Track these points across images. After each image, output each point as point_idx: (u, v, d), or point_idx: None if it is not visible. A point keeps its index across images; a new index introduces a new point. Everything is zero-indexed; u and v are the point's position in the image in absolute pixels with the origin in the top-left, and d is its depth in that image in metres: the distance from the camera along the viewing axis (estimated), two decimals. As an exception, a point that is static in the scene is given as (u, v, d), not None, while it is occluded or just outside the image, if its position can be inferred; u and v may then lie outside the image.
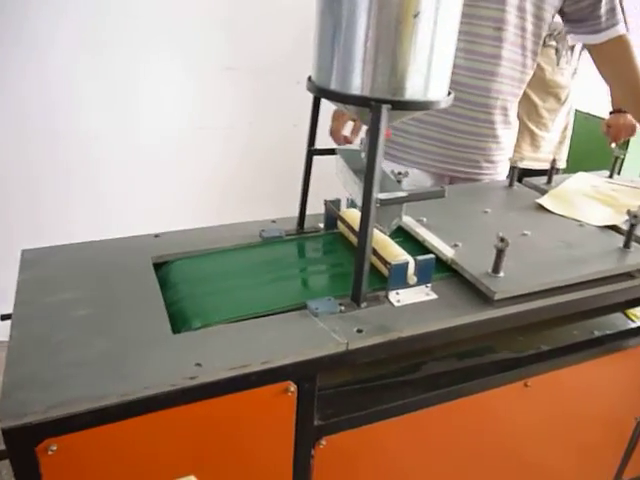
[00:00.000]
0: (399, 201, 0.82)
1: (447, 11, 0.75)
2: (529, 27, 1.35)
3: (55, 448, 0.63)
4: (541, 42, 1.42)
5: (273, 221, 1.10)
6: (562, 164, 1.95)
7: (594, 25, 1.37)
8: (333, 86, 0.80)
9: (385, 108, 0.75)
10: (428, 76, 0.77)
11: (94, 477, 0.68)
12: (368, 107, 0.76)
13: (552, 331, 1.13)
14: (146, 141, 1.94)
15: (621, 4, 1.72)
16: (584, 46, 1.75)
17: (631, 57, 1.40)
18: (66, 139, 1.85)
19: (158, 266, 0.94)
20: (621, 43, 1.38)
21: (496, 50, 1.34)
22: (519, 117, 1.65)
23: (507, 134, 1.47)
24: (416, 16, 0.72)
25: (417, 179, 1.43)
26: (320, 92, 0.83)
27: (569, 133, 1.93)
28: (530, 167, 1.80)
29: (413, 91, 0.77)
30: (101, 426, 0.65)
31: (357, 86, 0.77)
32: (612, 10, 1.36)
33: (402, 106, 0.78)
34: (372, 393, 0.89)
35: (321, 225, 1.09)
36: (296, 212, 1.08)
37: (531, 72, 1.44)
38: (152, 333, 0.75)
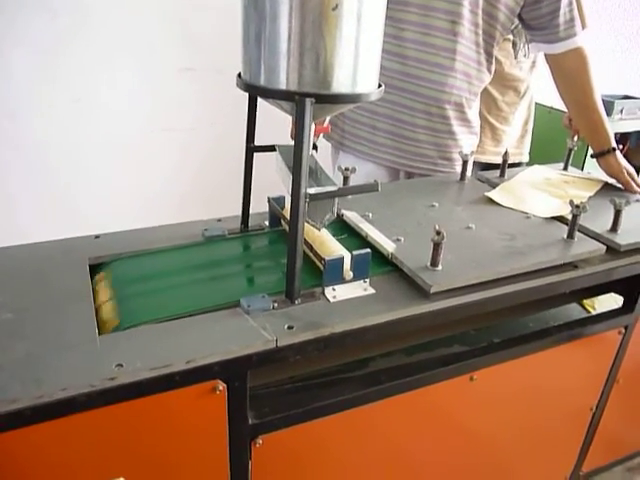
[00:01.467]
0: (329, 195, 0.81)
1: (369, 3, 0.74)
2: (481, 24, 1.34)
3: (-32, 454, 0.62)
4: (495, 43, 1.40)
5: (219, 220, 1.09)
6: (525, 158, 1.95)
7: (552, 34, 1.36)
8: (261, 82, 0.79)
9: (309, 102, 0.75)
10: (354, 69, 0.77)
11: (14, 482, 0.67)
12: (293, 101, 0.76)
13: (506, 324, 1.14)
14: (102, 146, 1.92)
15: (580, 12, 1.73)
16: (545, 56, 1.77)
17: (586, 72, 1.37)
18: (21, 142, 1.83)
19: (96, 267, 0.93)
20: (578, 56, 1.36)
21: (450, 44, 1.33)
22: (479, 112, 1.65)
23: (465, 132, 1.46)
24: (335, 9, 0.72)
25: (372, 174, 1.42)
26: (249, 88, 0.82)
27: (530, 127, 1.93)
28: (492, 161, 1.80)
29: (339, 84, 0.76)
30: (17, 429, 0.64)
31: (283, 81, 0.76)
32: (571, 20, 1.34)
33: (328, 99, 0.77)
34: (312, 390, 0.88)
35: (267, 223, 1.08)
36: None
37: (487, 73, 1.43)
38: (77, 335, 0.74)
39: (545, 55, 1.42)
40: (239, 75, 0.84)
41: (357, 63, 0.77)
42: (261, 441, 0.82)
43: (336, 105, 0.82)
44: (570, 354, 1.12)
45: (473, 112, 1.47)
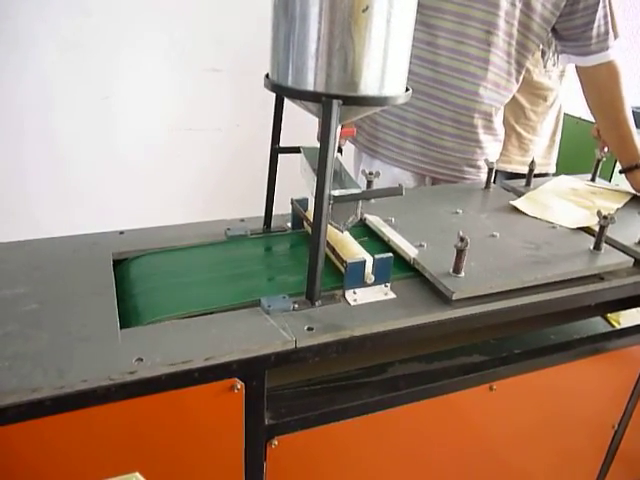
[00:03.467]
0: (352, 198, 0.81)
1: (400, 5, 0.74)
2: (515, 34, 1.33)
3: (-11, 441, 0.63)
4: (529, 54, 1.39)
5: (242, 220, 1.09)
6: (552, 168, 1.93)
7: (584, 46, 1.34)
8: (289, 83, 0.79)
9: (336, 103, 0.75)
10: (382, 71, 0.76)
11: (32, 470, 0.68)
12: (320, 103, 0.76)
13: (528, 335, 1.12)
14: (130, 143, 1.95)
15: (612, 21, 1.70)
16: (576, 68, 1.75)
17: (617, 86, 1.35)
18: (41, 139, 1.86)
19: (120, 262, 0.94)
20: (610, 70, 1.34)
21: (484, 54, 1.32)
22: (506, 120, 1.64)
23: (490, 140, 1.45)
24: (365, 10, 0.71)
25: (398, 180, 1.42)
26: (276, 89, 0.83)
27: (558, 137, 1.91)
28: (518, 171, 1.78)
29: (366, 86, 0.76)
30: (37, 419, 0.64)
31: (310, 82, 0.76)
32: (605, 33, 1.32)
33: (355, 101, 0.77)
34: (329, 394, 0.88)
35: (289, 225, 1.08)
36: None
37: (515, 83, 1.42)
38: (98, 328, 0.74)
39: (576, 67, 1.40)
40: (267, 76, 0.84)
41: (385, 65, 0.76)
42: (277, 442, 0.81)
43: (363, 107, 0.82)
44: (593, 369, 1.10)
45: (499, 120, 1.46)
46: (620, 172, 1.40)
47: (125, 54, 1.85)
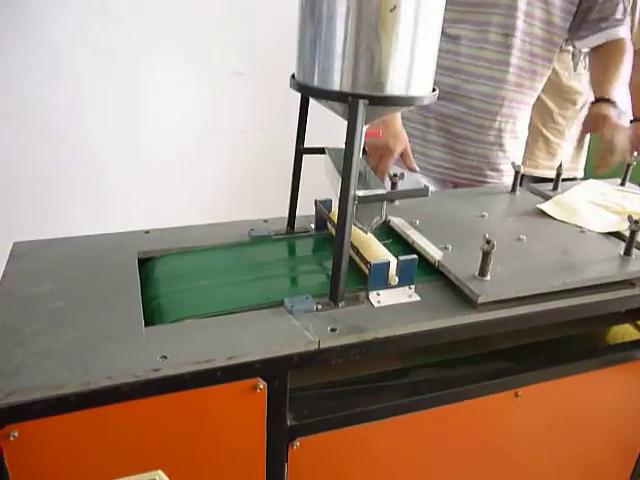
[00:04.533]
0: (378, 199, 0.80)
1: (427, 5, 0.73)
2: (538, 33, 1.33)
3: (17, 434, 0.63)
4: (555, 48, 1.39)
5: (265, 221, 1.10)
6: (580, 173, 1.89)
7: (612, 20, 1.35)
8: (315, 83, 0.79)
9: (362, 103, 0.74)
10: (409, 71, 0.76)
11: (57, 465, 0.68)
12: (346, 103, 0.75)
13: (554, 341, 1.09)
14: (155, 147, 1.97)
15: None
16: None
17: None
18: (72, 141, 1.89)
19: (145, 261, 0.95)
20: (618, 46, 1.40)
21: (504, 57, 1.33)
22: (533, 124, 1.62)
23: (514, 143, 1.44)
24: (393, 10, 0.71)
25: (420, 184, 1.41)
26: (302, 89, 0.83)
27: (587, 141, 1.88)
28: (545, 175, 1.75)
29: (393, 86, 0.76)
30: (63, 414, 0.65)
31: (336, 82, 0.76)
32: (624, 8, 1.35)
33: (381, 101, 0.76)
34: (352, 396, 0.87)
35: (312, 226, 1.08)
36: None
37: (542, 79, 1.42)
38: (124, 326, 0.75)
39: (600, 47, 1.42)
40: (292, 76, 0.84)
41: (412, 65, 0.76)
42: (298, 443, 0.81)
43: (389, 107, 0.82)
44: (622, 377, 1.07)
45: (523, 120, 1.45)
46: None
47: (152, 60, 1.88)
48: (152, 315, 0.80)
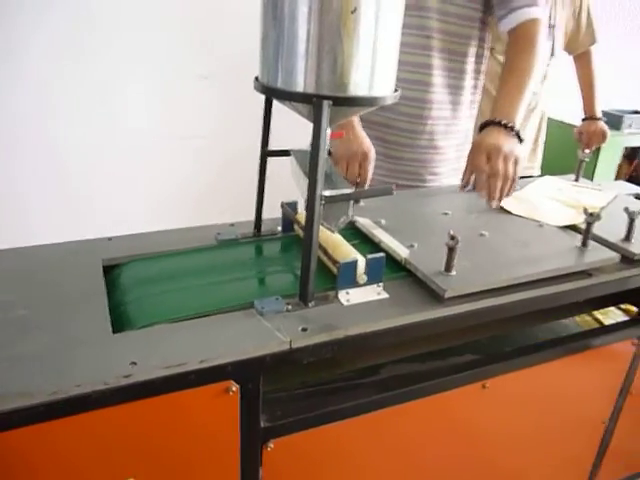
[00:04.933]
0: (344, 198, 0.81)
1: (387, 7, 0.75)
2: (455, 30, 1.29)
3: (-19, 449, 0.62)
4: (481, 44, 1.34)
5: (231, 225, 1.09)
6: (536, 172, 1.95)
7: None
8: (278, 84, 0.79)
9: (326, 104, 0.75)
10: (371, 72, 0.77)
11: (27, 477, 0.66)
12: (310, 104, 0.76)
13: (518, 334, 1.13)
14: (118, 151, 1.94)
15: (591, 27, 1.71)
16: (552, 52, 1.77)
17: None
18: (37, 145, 1.85)
19: (110, 269, 0.93)
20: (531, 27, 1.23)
21: (425, 59, 1.30)
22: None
23: (452, 145, 1.43)
24: (354, 12, 0.72)
25: None
26: (266, 91, 0.83)
27: (542, 141, 1.94)
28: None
29: (356, 87, 0.77)
30: (31, 425, 0.63)
31: (300, 83, 0.77)
32: None
33: (345, 102, 0.77)
34: (324, 396, 0.87)
35: (279, 228, 1.08)
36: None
37: (474, 78, 1.38)
38: (91, 333, 0.74)
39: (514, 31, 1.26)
40: (256, 78, 0.85)
41: (374, 66, 0.77)
42: (272, 445, 0.81)
43: (353, 108, 0.83)
44: (583, 365, 1.11)
45: (463, 121, 1.42)
46: None
47: (114, 63, 1.85)
48: (120, 321, 0.78)
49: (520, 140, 1.09)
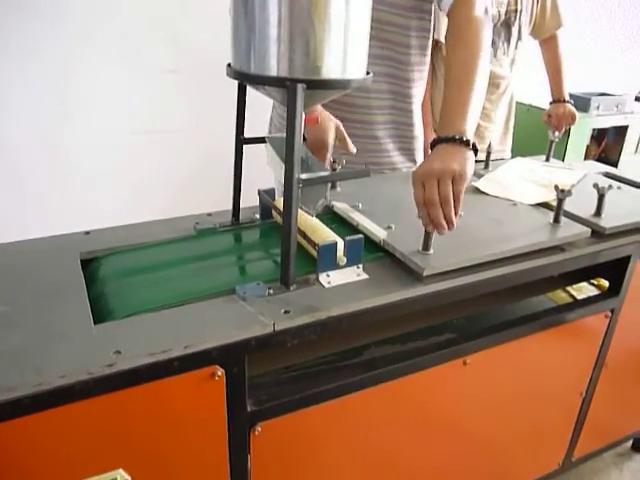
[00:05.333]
0: (321, 180, 0.82)
1: (357, -10, 0.75)
2: (385, 17, 1.23)
3: (-34, 444, 0.61)
4: (413, 33, 1.26)
5: (209, 214, 1.09)
6: (507, 154, 1.98)
7: None
8: (252, 69, 0.79)
9: (300, 87, 0.76)
10: (343, 54, 0.78)
11: (12, 472, 0.66)
12: (284, 87, 0.76)
13: (495, 312, 1.15)
14: (90, 148, 1.91)
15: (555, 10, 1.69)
16: (519, 36, 1.80)
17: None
18: (4, 143, 1.81)
19: (88, 262, 0.93)
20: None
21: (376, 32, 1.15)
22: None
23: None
24: (324, -5, 0.73)
25: None
26: (240, 76, 0.83)
27: (512, 124, 1.97)
28: (476, 158, 1.83)
29: (328, 70, 0.77)
30: (16, 418, 0.63)
31: (273, 67, 0.77)
32: None
33: (318, 85, 0.78)
34: (309, 378, 0.88)
35: (257, 216, 1.09)
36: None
37: (415, 68, 1.32)
38: (72, 325, 0.73)
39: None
40: (229, 65, 0.85)
41: (346, 49, 0.78)
42: (260, 429, 0.81)
43: (327, 91, 0.83)
44: (558, 339, 1.14)
45: (411, 112, 1.38)
46: None
47: (80, 58, 1.82)
48: (101, 313, 0.78)
49: (475, 152, 0.95)
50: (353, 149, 1.15)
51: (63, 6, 1.74)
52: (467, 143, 0.93)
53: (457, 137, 0.93)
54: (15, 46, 1.74)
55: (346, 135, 1.16)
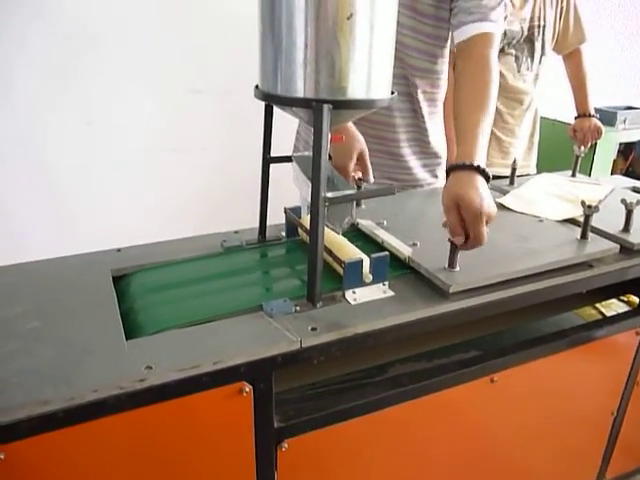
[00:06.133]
0: (347, 199, 0.83)
1: (382, 12, 0.77)
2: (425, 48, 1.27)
3: (2, 457, 0.63)
4: (423, 56, 1.28)
5: (236, 232, 1.11)
6: (532, 170, 1.97)
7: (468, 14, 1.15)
8: (278, 91, 0.81)
9: (327, 108, 0.77)
10: (368, 75, 0.79)
11: (45, 486, 0.68)
12: (311, 108, 0.78)
13: (522, 328, 1.14)
14: (117, 165, 1.96)
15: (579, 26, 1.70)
16: (542, 52, 1.80)
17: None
18: (28, 162, 1.87)
19: (119, 279, 0.95)
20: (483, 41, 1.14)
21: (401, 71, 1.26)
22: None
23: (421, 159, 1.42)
24: (349, 18, 0.74)
25: None
26: (266, 97, 0.85)
27: (537, 139, 1.96)
28: (500, 174, 1.81)
29: (354, 90, 0.79)
30: (49, 432, 0.64)
31: (300, 89, 0.79)
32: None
33: (344, 105, 0.79)
34: (335, 395, 0.88)
35: (283, 234, 1.10)
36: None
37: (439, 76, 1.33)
38: (104, 340, 0.75)
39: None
40: (256, 87, 0.87)
41: (371, 69, 0.79)
42: (286, 445, 0.82)
43: (352, 111, 0.85)
44: (588, 356, 1.12)
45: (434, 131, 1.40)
46: None
47: (106, 78, 1.87)
48: (132, 329, 0.80)
49: (487, 179, 0.97)
50: (371, 180, 1.17)
51: (91, 28, 1.80)
52: (483, 172, 0.96)
53: (473, 164, 0.95)
54: (43, 65, 1.80)
55: (369, 164, 1.17)
